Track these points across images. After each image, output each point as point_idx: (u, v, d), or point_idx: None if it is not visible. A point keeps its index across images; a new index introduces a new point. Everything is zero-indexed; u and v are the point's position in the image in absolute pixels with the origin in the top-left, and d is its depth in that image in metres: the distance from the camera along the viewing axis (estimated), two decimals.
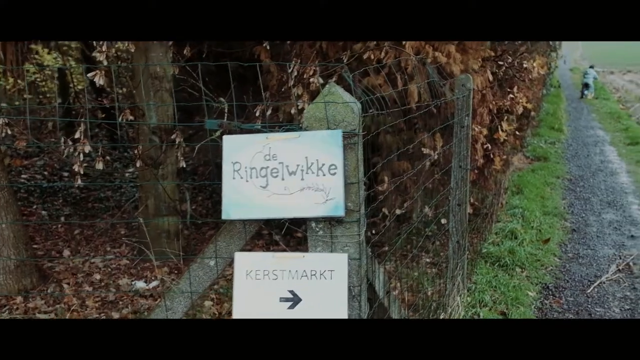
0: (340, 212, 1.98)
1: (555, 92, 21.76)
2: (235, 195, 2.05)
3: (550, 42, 12.25)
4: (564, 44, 46.35)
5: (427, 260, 5.88)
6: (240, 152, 2.01)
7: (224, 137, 2.01)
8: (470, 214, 5.36)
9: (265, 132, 2.03)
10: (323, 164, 1.97)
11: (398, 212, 4.65)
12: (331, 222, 2.04)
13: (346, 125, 1.95)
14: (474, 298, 4.72)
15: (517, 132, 6.49)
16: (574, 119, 16.43)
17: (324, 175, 1.98)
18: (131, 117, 4.17)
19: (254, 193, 2.03)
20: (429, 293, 4.91)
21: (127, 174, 8.77)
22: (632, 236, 6.60)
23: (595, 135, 13.71)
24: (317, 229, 2.07)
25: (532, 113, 10.29)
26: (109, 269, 5.46)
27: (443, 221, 5.20)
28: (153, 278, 5.21)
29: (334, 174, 1.96)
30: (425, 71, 4.31)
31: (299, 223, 2.13)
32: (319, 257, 2.07)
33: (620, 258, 5.92)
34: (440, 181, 4.99)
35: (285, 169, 2.00)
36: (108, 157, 8.94)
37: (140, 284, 5.10)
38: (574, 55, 47.99)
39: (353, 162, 1.99)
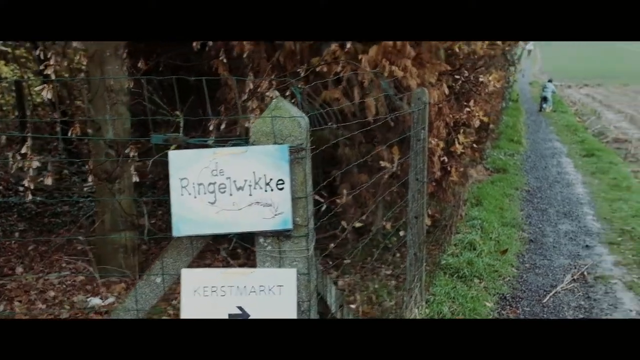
0: (289, 226, 1.96)
1: (515, 106, 22.21)
2: (184, 212, 2.02)
3: (508, 57, 12.51)
4: (523, 58, 47.36)
5: (387, 272, 5.91)
6: (187, 167, 1.98)
7: (169, 152, 1.99)
8: (429, 225, 5.40)
9: (213, 147, 2.01)
10: (271, 179, 1.95)
11: (356, 224, 4.65)
12: (279, 237, 2.03)
13: (293, 139, 1.94)
14: (432, 310, 4.73)
15: (475, 145, 6.58)
16: (533, 131, 16.76)
17: (271, 190, 1.96)
18: (89, 131, 4.10)
19: (203, 209, 2.01)
20: (388, 305, 4.92)
21: (85, 188, 8.60)
22: (586, 246, 6.74)
23: (553, 147, 14.00)
24: (266, 244, 2.05)
25: (492, 126, 10.47)
26: (64, 286, 5.33)
27: (401, 233, 5.23)
28: (109, 295, 5.10)
29: (282, 188, 1.95)
30: (386, 84, 4.35)
31: (248, 239, 2.10)
32: (268, 273, 2.05)
33: (575, 268, 6.03)
34: (399, 193, 5.02)
35: (233, 184, 1.98)
36: (66, 171, 8.77)
37: (95, 301, 4.99)
38: (533, 70, 49.08)
39: (300, 177, 1.98)
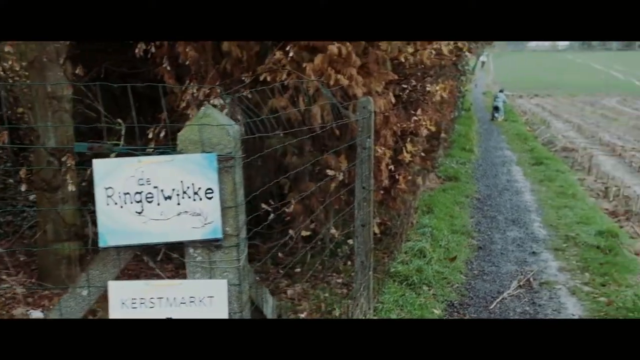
0: (219, 235, 1.92)
1: (468, 115, 22.56)
2: (110, 222, 1.95)
3: (460, 67, 12.71)
4: (477, 69, 48.18)
5: (339, 280, 5.89)
6: (113, 176, 1.92)
7: (94, 161, 1.92)
8: (377, 233, 5.41)
9: (139, 155, 1.95)
10: (199, 188, 1.91)
11: (305, 233, 4.62)
12: (210, 247, 1.98)
13: (222, 148, 1.90)
14: (380, 317, 4.73)
15: (424, 154, 6.64)
16: (485, 140, 17.06)
17: (200, 199, 1.91)
18: (30, 140, 3.96)
19: (130, 219, 1.94)
20: (337, 314, 4.89)
21: (31, 197, 8.34)
22: (533, 252, 6.86)
23: (503, 155, 14.27)
24: (196, 255, 1.99)
25: (443, 135, 10.61)
26: (3, 299, 5.14)
27: (350, 241, 5.22)
28: (51, 307, 4.93)
29: (211, 197, 1.91)
30: (328, 93, 4.34)
31: (178, 249, 2.05)
32: (198, 284, 2.00)
33: (522, 274, 6.12)
34: (347, 202, 5.01)
35: (161, 194, 1.92)
36: (11, 180, 8.48)
37: (36, 314, 4.82)
38: (487, 80, 50.03)
39: (230, 186, 1.94)
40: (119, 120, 3.43)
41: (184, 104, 3.93)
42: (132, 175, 1.91)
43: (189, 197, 1.91)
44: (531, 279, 5.97)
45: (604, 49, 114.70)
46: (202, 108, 1.94)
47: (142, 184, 1.92)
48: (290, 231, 4.59)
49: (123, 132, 3.79)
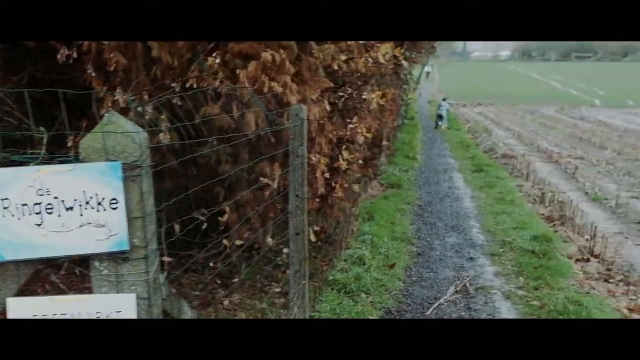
0: (125, 247, 1.83)
1: (412, 123, 22.88)
2: (7, 235, 1.83)
3: (402, 76, 12.86)
4: (423, 79, 48.84)
5: (277, 290, 5.82)
6: (9, 186, 1.80)
7: None
8: (314, 242, 5.37)
9: (37, 164, 1.84)
10: (103, 198, 1.82)
11: (239, 242, 4.54)
12: (116, 260, 1.89)
13: (127, 156, 1.81)
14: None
15: (365, 161, 6.65)
16: (428, 147, 17.31)
17: (104, 210, 1.82)
18: None
19: (28, 232, 1.83)
20: None
21: None
22: (470, 258, 6.95)
23: (445, 163, 14.49)
24: (102, 268, 1.90)
25: (385, 142, 10.69)
26: None
27: (285, 250, 5.16)
28: None
29: (115, 208, 1.82)
30: (262, 100, 4.28)
31: (84, 262, 1.95)
32: (104, 298, 1.90)
33: (459, 279, 6.19)
34: (283, 210, 4.96)
35: (62, 205, 1.82)
36: None
37: None
38: (432, 89, 50.94)
39: (136, 195, 1.85)
40: (42, 129, 3.29)
41: (103, 111, 3.80)
42: (30, 185, 1.80)
43: (92, 208, 1.82)
44: (468, 284, 6.04)
45: (543, 59, 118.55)
46: (106, 115, 1.85)
47: (42, 195, 1.81)
48: (225, 241, 4.49)
49: (45, 140, 3.63)
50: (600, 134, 22.27)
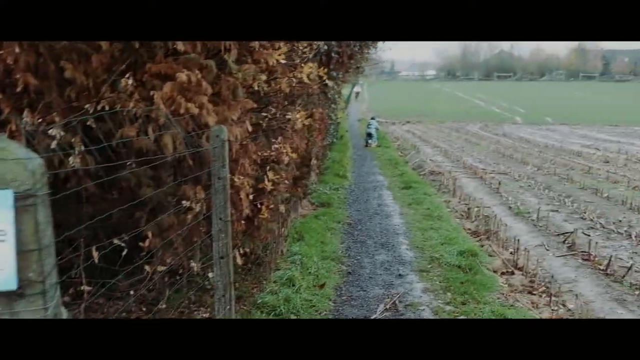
0: (12, 286, 1.69)
1: (343, 141, 23.10)
2: None
3: (329, 95, 12.96)
4: (352, 99, 49.56)
5: (205, 315, 5.65)
6: None
7: None
8: (241, 265, 5.26)
9: None
10: None
11: (160, 268, 4.38)
12: (10, 296, 1.74)
13: (19, 184, 1.68)
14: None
15: (294, 181, 6.60)
16: (359, 165, 17.49)
17: None
18: None
19: None
20: None
21: None
22: (399, 275, 6.99)
23: (375, 180, 14.66)
24: None
25: (314, 161, 10.70)
26: None
27: (210, 275, 5.02)
28: None
29: (3, 240, 1.67)
30: (181, 122, 4.17)
31: None
32: None
33: (388, 297, 6.20)
34: (207, 233, 4.83)
35: None
36: None
37: None
38: (362, 108, 51.77)
39: (31, 227, 1.72)
40: None
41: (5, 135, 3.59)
42: None
43: None
44: (397, 302, 6.06)
45: (467, 79, 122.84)
46: None
47: None
48: (147, 266, 4.32)
49: None
50: (522, 150, 23.19)
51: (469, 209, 11.13)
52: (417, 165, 18.22)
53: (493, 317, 5.48)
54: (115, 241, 4.32)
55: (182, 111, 3.99)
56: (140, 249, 4.61)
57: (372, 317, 5.65)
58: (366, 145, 23.35)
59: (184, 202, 4.34)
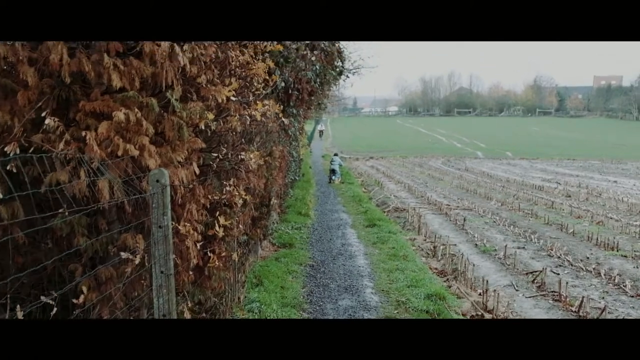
0: None
1: (306, 178, 22.77)
2: None
3: (290, 132, 12.64)
4: (315, 137, 49.62)
5: None
6: None
7: None
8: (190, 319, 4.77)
9: None
10: None
11: None
12: None
13: None
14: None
15: (242, 225, 6.16)
16: (322, 203, 17.12)
17: None
18: None
19: None
20: None
21: None
22: None
23: (339, 218, 14.28)
24: None
25: (275, 201, 10.28)
26: None
27: None
28: None
29: None
30: (118, 165, 3.74)
31: None
32: None
33: None
34: (150, 285, 4.36)
35: None
36: None
37: None
38: (325, 144, 51.75)
39: None
40: None
41: None
42: None
43: None
44: None
45: (428, 114, 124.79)
46: None
47: None
48: None
49: None
50: (485, 184, 23.21)
51: (434, 247, 10.83)
52: (381, 201, 17.96)
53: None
54: (43, 298, 3.83)
55: (120, 153, 3.56)
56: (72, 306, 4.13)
57: None
58: (330, 182, 23.06)
59: (122, 253, 3.87)
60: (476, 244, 11.33)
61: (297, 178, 19.06)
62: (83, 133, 3.47)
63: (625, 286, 8.24)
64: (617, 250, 10.63)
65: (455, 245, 11.22)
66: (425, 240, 11.84)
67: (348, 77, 23.32)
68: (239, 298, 6.72)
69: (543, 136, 65.68)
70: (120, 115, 3.53)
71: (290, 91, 10.00)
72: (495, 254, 10.40)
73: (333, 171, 23.26)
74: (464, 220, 13.70)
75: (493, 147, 49.87)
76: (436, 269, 9.43)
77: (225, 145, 4.92)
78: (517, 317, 4.89)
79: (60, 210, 3.99)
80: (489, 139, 58.91)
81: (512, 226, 13.31)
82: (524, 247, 11.06)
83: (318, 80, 12.15)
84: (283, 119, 6.55)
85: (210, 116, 4.04)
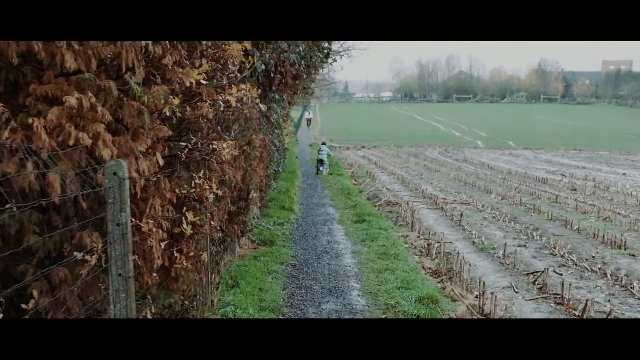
0: None
1: (292, 169, 22.68)
2: None
3: (272, 119, 12.52)
4: (303, 126, 49.58)
5: None
6: None
7: None
8: None
9: None
10: None
11: None
12: None
13: None
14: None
15: (213, 223, 6.04)
16: (308, 196, 17.04)
17: None
18: None
19: None
20: None
21: None
22: None
23: (326, 213, 14.20)
24: None
25: (255, 194, 10.17)
26: None
27: None
28: None
29: None
30: (70, 156, 3.63)
31: None
32: None
33: None
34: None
35: None
36: None
37: None
38: (314, 132, 51.63)
39: None
40: None
41: None
42: None
43: None
44: None
45: (425, 101, 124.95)
46: None
47: None
48: None
49: None
50: (485, 177, 23.22)
51: (429, 244, 10.77)
52: (372, 195, 17.91)
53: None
54: None
55: (72, 142, 3.45)
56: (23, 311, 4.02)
57: None
58: (317, 173, 22.97)
59: (76, 253, 3.77)
60: (474, 242, 11.30)
61: (280, 169, 18.96)
62: (30, 120, 3.35)
63: (633, 288, 8.23)
64: (625, 249, 10.63)
65: (451, 243, 11.19)
66: (419, 237, 11.79)
67: (336, 60, 23.11)
68: (212, 301, 6.63)
69: (548, 125, 65.99)
70: (72, 100, 3.41)
71: (272, 75, 9.87)
72: (494, 253, 10.37)
73: (321, 162, 23.17)
74: (461, 215, 13.67)
75: (494, 136, 50.00)
76: (430, 269, 9.38)
77: (196, 134, 4.81)
78: (516, 318, 4.86)
79: (7, 206, 3.88)
80: (490, 127, 59.06)
81: (513, 222, 13.29)
82: (525, 245, 11.04)
83: (303, 63, 12.03)
84: (261, 105, 6.42)
85: (176, 101, 3.93)
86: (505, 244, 10.52)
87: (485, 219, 13.86)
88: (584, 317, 6.89)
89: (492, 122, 66.20)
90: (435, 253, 10.21)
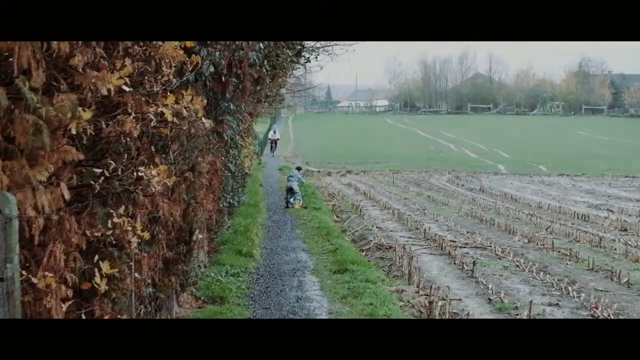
0: None
1: (254, 201, 22.68)
2: None
3: (225, 136, 12.53)
4: (269, 142, 49.62)
5: None
6: None
7: None
8: None
9: None
10: None
11: None
12: None
13: None
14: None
15: (136, 274, 6.01)
16: (274, 237, 17.06)
17: None
18: None
19: None
20: None
21: None
22: None
23: (296, 260, 14.20)
24: None
25: (199, 236, 10.14)
26: None
27: None
28: None
29: None
30: None
31: None
32: None
33: None
34: None
35: None
36: None
37: None
38: (285, 152, 51.72)
39: None
40: None
41: None
42: None
43: None
44: None
45: (431, 112, 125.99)
46: None
47: None
48: None
49: None
50: (507, 212, 23.39)
51: (430, 302, 10.79)
52: (358, 235, 17.98)
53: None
54: None
55: None
56: None
57: None
58: (287, 206, 23.00)
59: None
60: (490, 299, 11.35)
61: (237, 201, 18.95)
62: None
63: None
64: None
65: (460, 300, 11.23)
66: (417, 292, 11.81)
67: (309, 60, 23.00)
68: None
69: (591, 143, 66.87)
70: None
71: (224, 78, 9.89)
72: (517, 314, 10.42)
73: (290, 190, 23.19)
74: (474, 263, 13.73)
75: (521, 158, 50.56)
76: None
77: (118, 157, 4.79)
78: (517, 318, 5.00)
79: None
80: (515, 146, 59.75)
81: (542, 273, 13.38)
82: (557, 304, 11.12)
83: (267, 63, 12.09)
84: (205, 120, 6.43)
85: (86, 115, 3.91)
86: (531, 301, 10.57)
87: (506, 268, 13.95)
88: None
89: (517, 140, 67.02)
90: (439, 314, 10.23)
